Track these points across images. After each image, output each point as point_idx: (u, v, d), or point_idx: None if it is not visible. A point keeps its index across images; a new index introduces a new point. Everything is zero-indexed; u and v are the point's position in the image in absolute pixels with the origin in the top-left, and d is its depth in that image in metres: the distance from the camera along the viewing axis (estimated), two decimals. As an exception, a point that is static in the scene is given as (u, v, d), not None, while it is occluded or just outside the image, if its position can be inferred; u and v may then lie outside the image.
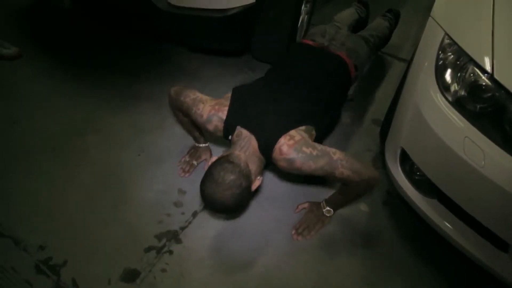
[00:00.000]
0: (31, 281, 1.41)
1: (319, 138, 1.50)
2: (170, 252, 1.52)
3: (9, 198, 1.65)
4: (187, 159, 1.82)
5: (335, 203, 1.60)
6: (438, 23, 1.34)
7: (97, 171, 1.78)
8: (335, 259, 1.54)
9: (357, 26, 2.38)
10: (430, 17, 1.40)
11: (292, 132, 1.35)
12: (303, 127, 1.39)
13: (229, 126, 1.40)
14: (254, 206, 1.69)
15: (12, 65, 2.29)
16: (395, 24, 2.48)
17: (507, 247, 1.22)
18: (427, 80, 1.29)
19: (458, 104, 1.20)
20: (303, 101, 1.49)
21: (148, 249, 1.52)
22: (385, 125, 1.68)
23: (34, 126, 1.96)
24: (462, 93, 1.20)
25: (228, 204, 1.23)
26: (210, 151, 1.85)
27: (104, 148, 1.88)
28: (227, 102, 1.43)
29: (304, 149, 1.30)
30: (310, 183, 1.78)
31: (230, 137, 1.41)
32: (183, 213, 1.65)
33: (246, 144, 1.34)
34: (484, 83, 1.15)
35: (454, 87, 1.22)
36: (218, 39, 2.13)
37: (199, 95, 1.49)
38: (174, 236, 1.57)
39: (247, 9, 1.89)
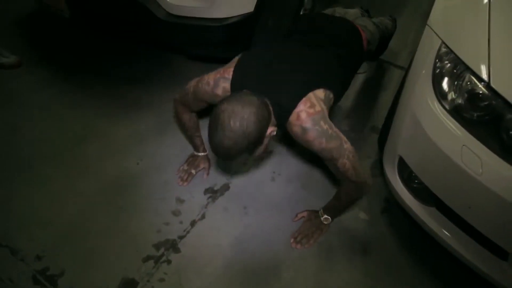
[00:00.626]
0: (28, 292, 1.40)
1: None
2: (169, 261, 1.52)
3: (7, 207, 1.65)
4: (186, 167, 1.82)
5: (331, 210, 1.60)
6: (435, 32, 1.35)
7: (96, 179, 1.78)
8: (334, 267, 1.54)
9: None
10: (427, 26, 1.41)
11: (313, 99, 1.28)
12: (322, 92, 1.33)
13: (236, 84, 1.33)
14: (253, 214, 1.69)
15: (11, 74, 2.29)
16: (394, 28, 2.49)
17: (507, 256, 1.21)
18: (424, 88, 1.30)
19: (455, 112, 1.21)
20: (321, 60, 1.43)
21: (146, 259, 1.51)
22: (383, 133, 1.68)
23: (34, 134, 1.96)
24: (459, 101, 1.20)
25: (248, 125, 1.14)
26: (209, 160, 1.85)
27: (103, 156, 1.88)
28: (234, 64, 1.38)
29: (322, 123, 1.26)
30: (309, 191, 1.78)
31: None
32: (181, 222, 1.64)
33: None
34: (481, 92, 1.15)
35: (451, 96, 1.23)
36: (217, 47, 2.13)
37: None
38: (173, 246, 1.56)
39: (246, 18, 1.90)
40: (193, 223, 1.65)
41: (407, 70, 1.54)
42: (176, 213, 1.67)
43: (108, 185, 1.76)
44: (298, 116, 1.26)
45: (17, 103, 2.13)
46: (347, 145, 1.32)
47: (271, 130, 1.24)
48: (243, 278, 1.49)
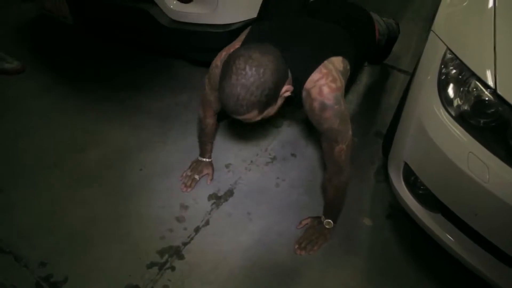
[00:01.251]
0: (32, 299, 1.40)
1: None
2: (173, 268, 1.51)
3: (10, 214, 1.65)
4: (189, 173, 1.81)
5: (329, 212, 1.59)
6: (439, 38, 1.34)
7: (98, 186, 1.77)
8: (339, 273, 1.53)
9: None
10: (431, 31, 1.40)
11: (333, 71, 1.22)
12: (340, 61, 1.27)
13: None
14: (257, 220, 1.68)
15: (14, 79, 2.30)
16: (398, 31, 2.48)
17: (513, 262, 1.20)
18: (430, 95, 1.29)
19: (461, 119, 1.20)
20: (338, 31, 1.39)
21: (150, 265, 1.51)
22: (388, 138, 1.67)
23: (36, 141, 1.96)
24: (465, 107, 1.20)
25: (266, 72, 1.06)
26: (212, 166, 1.85)
27: (105, 163, 1.87)
28: (243, 36, 1.31)
29: (342, 102, 1.22)
30: (313, 198, 1.78)
31: None
32: (185, 229, 1.64)
33: None
34: (487, 98, 1.15)
35: (457, 102, 1.22)
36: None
37: None
38: (177, 252, 1.56)
39: (249, 24, 1.89)
40: (197, 229, 1.64)
41: (412, 75, 1.53)
42: (180, 219, 1.67)
43: (111, 191, 1.76)
44: (321, 91, 1.20)
45: (19, 109, 2.13)
46: (350, 132, 1.32)
47: (287, 88, 1.16)
48: (247, 284, 1.48)
